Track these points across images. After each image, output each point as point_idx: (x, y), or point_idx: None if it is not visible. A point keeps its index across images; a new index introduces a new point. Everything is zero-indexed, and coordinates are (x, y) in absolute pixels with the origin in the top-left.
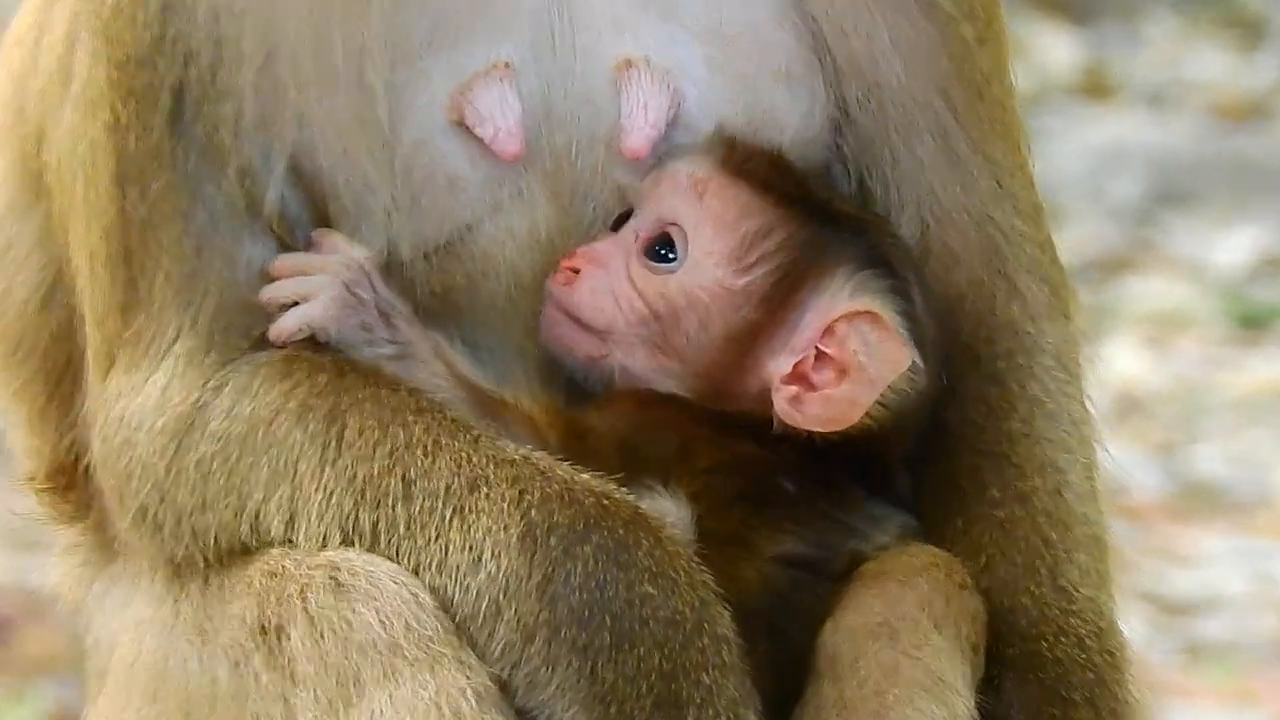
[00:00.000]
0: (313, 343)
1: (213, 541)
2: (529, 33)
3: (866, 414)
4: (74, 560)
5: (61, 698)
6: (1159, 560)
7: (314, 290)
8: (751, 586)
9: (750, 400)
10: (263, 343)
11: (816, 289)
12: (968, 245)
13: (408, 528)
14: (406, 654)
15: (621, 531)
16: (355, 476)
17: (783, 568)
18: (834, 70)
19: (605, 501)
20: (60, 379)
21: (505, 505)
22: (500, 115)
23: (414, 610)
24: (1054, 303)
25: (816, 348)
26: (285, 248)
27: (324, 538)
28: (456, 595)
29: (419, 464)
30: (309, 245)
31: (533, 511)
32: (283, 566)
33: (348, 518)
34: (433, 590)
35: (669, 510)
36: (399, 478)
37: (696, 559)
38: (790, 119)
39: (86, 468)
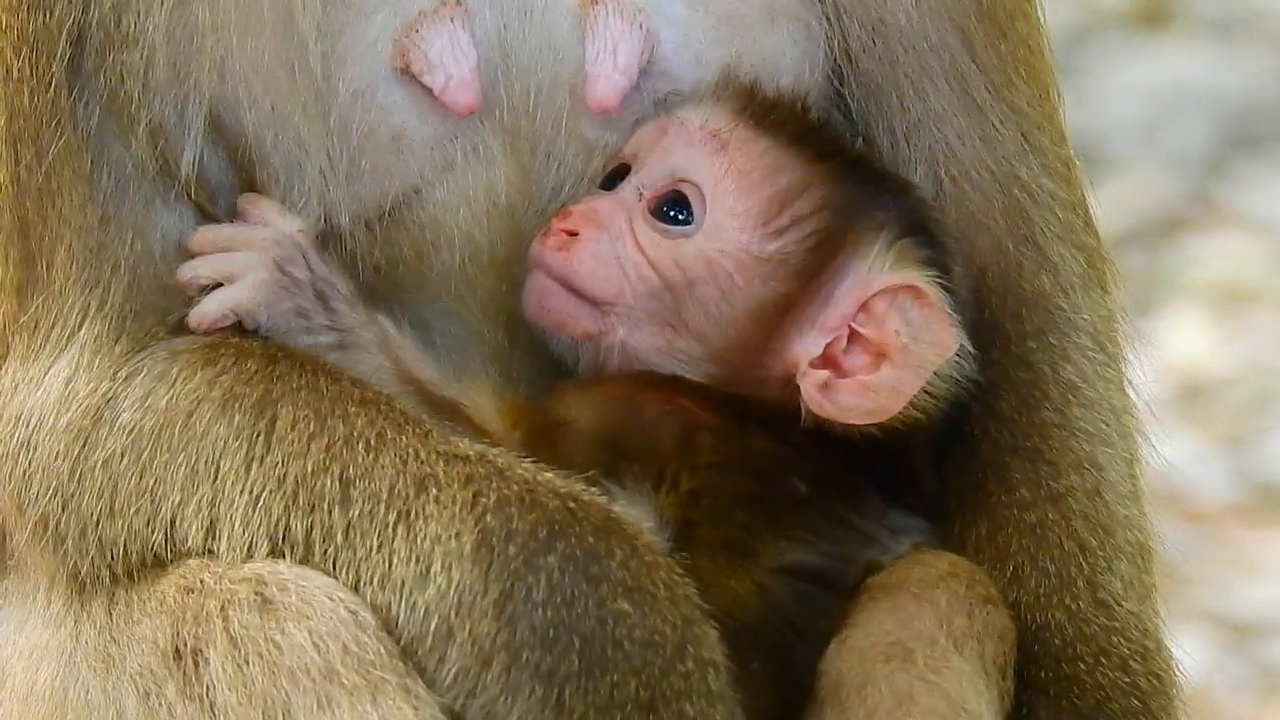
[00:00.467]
0: (240, 330)
1: (122, 553)
2: None
3: (910, 404)
4: None
5: None
6: (1226, 572)
7: (240, 269)
8: (747, 600)
9: (773, 387)
10: (181, 328)
11: (853, 257)
12: (990, 208)
13: (346, 536)
14: (344, 681)
15: (591, 539)
16: (286, 476)
17: (786, 580)
18: (833, 5)
19: (572, 504)
20: None
21: (457, 509)
22: (452, 61)
23: (352, 631)
24: (1089, 273)
25: (850, 327)
26: (206, 218)
27: (250, 547)
28: (402, 614)
29: (360, 461)
30: (234, 215)
31: (488, 516)
32: (201, 581)
33: (277, 524)
34: (375, 608)
35: (635, 514)
36: (336, 477)
37: (679, 571)
38: (785, 63)
39: None
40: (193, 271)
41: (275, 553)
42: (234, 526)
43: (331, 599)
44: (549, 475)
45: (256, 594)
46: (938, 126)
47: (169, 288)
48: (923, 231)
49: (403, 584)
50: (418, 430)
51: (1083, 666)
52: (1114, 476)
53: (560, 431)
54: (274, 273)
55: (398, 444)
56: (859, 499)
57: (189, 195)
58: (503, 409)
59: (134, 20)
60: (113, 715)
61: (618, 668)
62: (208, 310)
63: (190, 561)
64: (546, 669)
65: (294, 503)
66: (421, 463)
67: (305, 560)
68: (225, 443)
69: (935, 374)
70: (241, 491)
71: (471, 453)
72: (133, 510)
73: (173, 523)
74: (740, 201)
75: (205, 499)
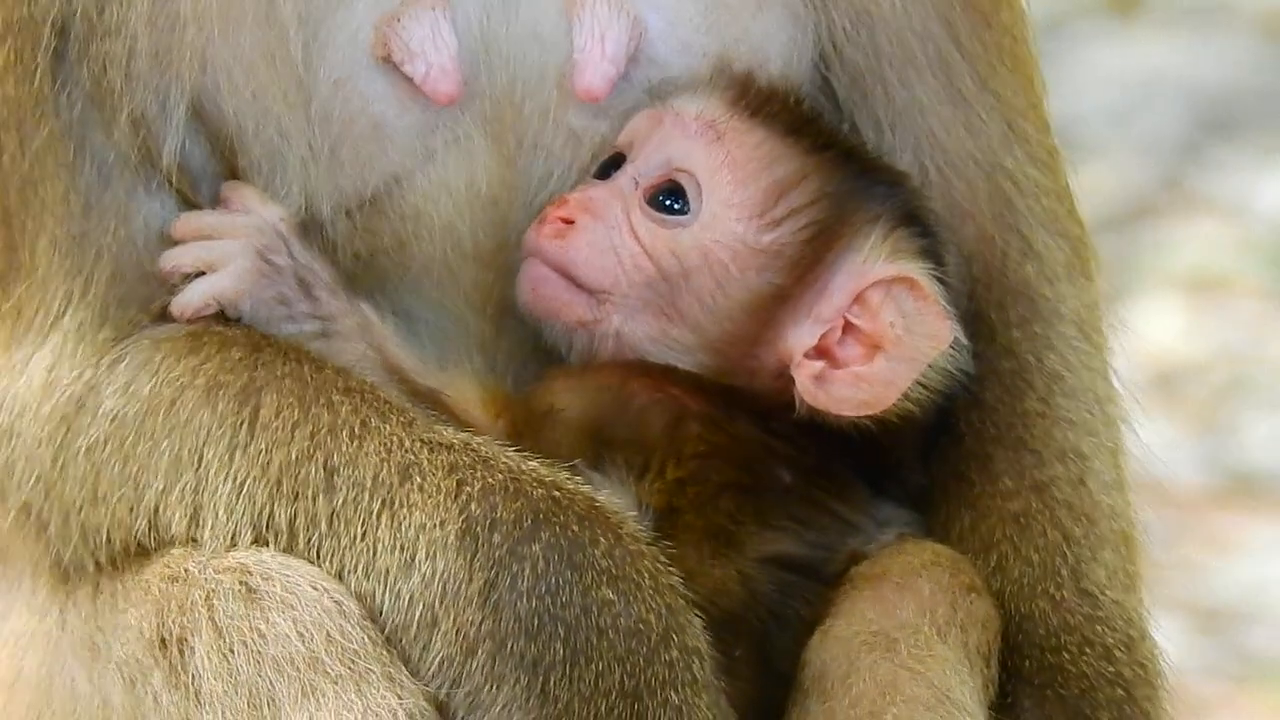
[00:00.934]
0: (222, 318)
1: (105, 541)
2: None
3: (903, 396)
4: None
5: None
6: (1200, 558)
7: (223, 257)
8: (731, 589)
9: (766, 378)
10: (164, 317)
11: (848, 249)
12: (975, 196)
13: (330, 524)
14: (329, 670)
15: (575, 528)
16: (270, 464)
17: (770, 569)
18: None
19: (556, 493)
20: None
21: (441, 498)
22: (433, 50)
23: (337, 620)
24: (1074, 262)
25: (845, 318)
26: (189, 206)
27: (233, 535)
28: (386, 602)
29: (344, 449)
30: (216, 203)
31: (473, 505)
32: (185, 570)
33: (261, 512)
34: (359, 597)
35: (622, 503)
36: (320, 465)
37: (663, 559)
38: (771, 50)
39: None
40: (175, 260)
41: (259, 541)
42: (218, 514)
43: (316, 588)
44: (533, 464)
45: (241, 583)
46: (922, 115)
47: (152, 276)
48: (917, 223)
49: (387, 572)
50: (401, 418)
51: (1067, 656)
52: (1098, 465)
53: (545, 420)
54: (256, 261)
55: (381, 432)
56: (844, 489)
57: (171, 183)
58: (486, 398)
59: (117, 10)
60: (98, 704)
61: (602, 656)
62: (190, 298)
63: (174, 550)
64: (531, 658)
65: (278, 491)
66: (405, 451)
67: (289, 548)
68: (209, 430)
69: (929, 366)
70: (225, 479)
71: (456, 441)
72: (116, 498)
73: (156, 510)
74: (736, 192)
75: (189, 486)
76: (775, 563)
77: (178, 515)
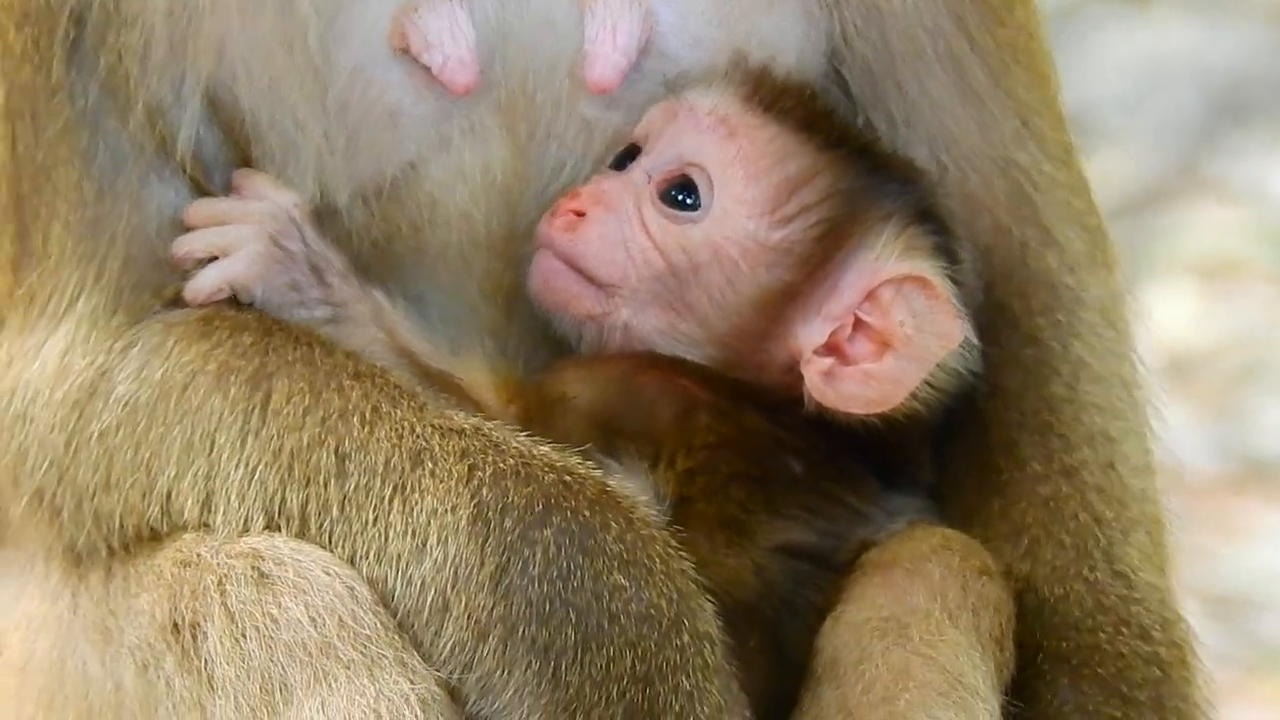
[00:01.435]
0: (234, 303)
1: (118, 526)
2: None
3: (912, 395)
4: None
5: None
6: (1212, 544)
7: (236, 243)
8: (744, 577)
9: (775, 373)
10: (177, 302)
11: (860, 246)
12: (991, 191)
13: (342, 509)
14: (341, 655)
15: (587, 513)
16: (282, 449)
17: (781, 558)
18: None
19: (568, 478)
20: None
21: (453, 483)
22: (450, 41)
23: (349, 605)
24: (1094, 252)
25: (856, 315)
26: (202, 193)
27: (246, 521)
28: (398, 587)
29: (355, 434)
30: (229, 189)
31: (484, 490)
32: (198, 555)
33: (273, 498)
34: (371, 582)
35: (632, 489)
36: (332, 451)
37: (675, 544)
38: (784, 44)
39: None
40: (188, 245)
41: (271, 526)
42: (230, 500)
43: (328, 573)
44: (545, 449)
45: (253, 568)
46: (935, 111)
47: (164, 262)
48: (930, 220)
49: (399, 557)
50: (412, 403)
51: (1103, 636)
52: (1127, 449)
53: (557, 407)
54: (269, 246)
55: (393, 417)
56: (854, 479)
57: (184, 171)
58: (497, 384)
59: (134, 2)
60: (110, 688)
61: (613, 641)
62: (203, 283)
63: (186, 535)
64: (542, 643)
65: (289, 476)
66: (417, 436)
67: (301, 534)
68: (221, 416)
69: (939, 365)
70: (237, 465)
71: (467, 426)
72: (129, 483)
73: (168, 496)
74: (748, 188)
75: (201, 472)
76: (787, 551)
77: (190, 501)
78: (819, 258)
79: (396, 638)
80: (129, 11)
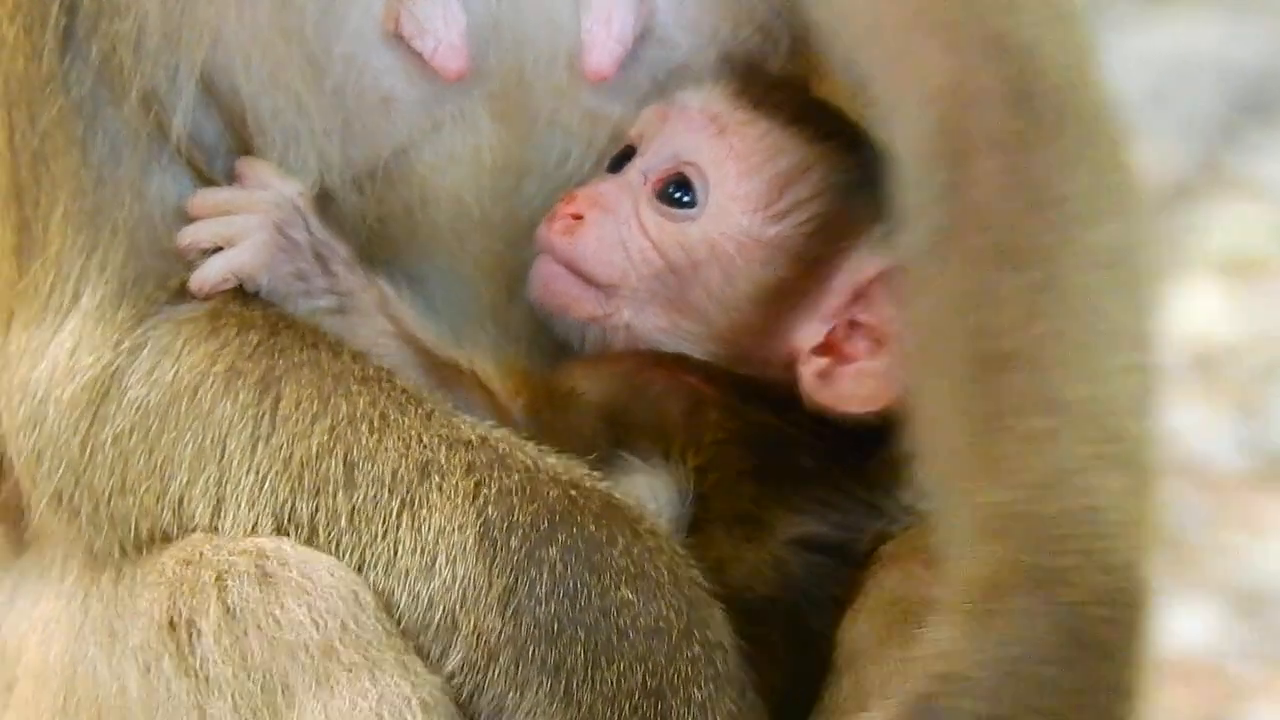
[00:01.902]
0: (241, 294)
1: (133, 529)
2: None
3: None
4: None
5: None
6: (1236, 541)
7: (241, 232)
8: (763, 572)
9: (777, 369)
10: (183, 293)
11: (852, 243)
12: None
13: (350, 520)
14: (343, 658)
15: (592, 527)
16: (292, 457)
17: (799, 551)
18: None
19: (573, 492)
20: None
21: (460, 500)
22: (443, 26)
23: (352, 608)
24: (1108, 163)
25: (850, 313)
26: (203, 180)
27: (255, 528)
28: (405, 601)
29: (364, 443)
30: (231, 177)
31: (490, 508)
32: (200, 553)
33: (283, 506)
34: (379, 593)
35: (656, 485)
36: (340, 460)
37: (682, 552)
38: (785, 34)
39: None
40: (193, 235)
41: (280, 533)
42: (240, 506)
43: (332, 575)
44: (551, 460)
45: (257, 566)
46: None
47: (168, 251)
48: None
49: (407, 572)
50: (420, 411)
51: (1071, 561)
52: (1115, 388)
53: (567, 401)
54: (274, 235)
55: (400, 425)
56: (864, 473)
57: (184, 158)
58: (505, 375)
59: None
60: (116, 691)
61: (623, 657)
62: (209, 274)
63: (194, 535)
64: (553, 662)
65: (299, 485)
66: (424, 447)
67: (310, 542)
68: (230, 421)
69: None
70: (248, 472)
71: (473, 437)
72: (143, 488)
73: (181, 501)
74: (741, 185)
75: (213, 479)
76: (804, 544)
77: (202, 506)
78: (813, 253)
79: (399, 641)
80: (121, 1)
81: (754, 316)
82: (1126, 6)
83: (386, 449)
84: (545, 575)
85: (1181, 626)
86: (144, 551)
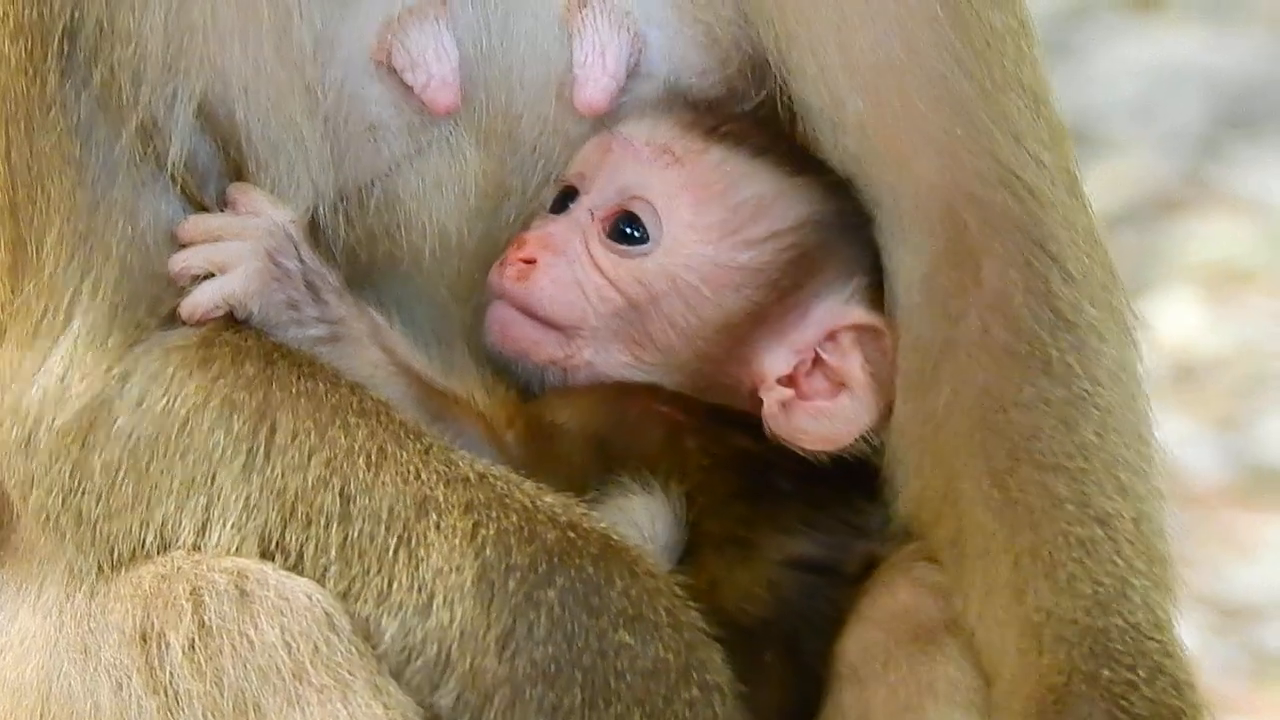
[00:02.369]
0: (232, 322)
1: (116, 550)
2: None
3: (863, 439)
4: None
5: None
6: (1218, 555)
7: (233, 259)
8: (757, 593)
9: (744, 396)
10: (173, 319)
11: (830, 283)
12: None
13: (341, 551)
14: (314, 680)
15: (591, 569)
16: (285, 489)
17: (792, 571)
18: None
19: (571, 533)
20: None
21: (458, 541)
22: (434, 60)
23: (325, 631)
24: (1107, 295)
25: (816, 351)
26: (195, 205)
27: (238, 551)
28: (393, 631)
29: (360, 477)
30: (223, 203)
31: (488, 549)
32: (179, 568)
33: (270, 534)
34: (366, 623)
35: (653, 508)
36: (336, 492)
37: (680, 593)
38: (772, 75)
39: None
40: (184, 262)
41: (265, 558)
42: (224, 533)
43: (309, 598)
44: (549, 499)
45: (235, 586)
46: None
47: (160, 276)
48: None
49: (401, 606)
50: (417, 445)
51: (1141, 676)
52: (1149, 509)
53: (553, 431)
54: (266, 263)
55: (398, 459)
56: (842, 495)
57: (178, 183)
58: (495, 405)
59: (129, 18)
60: (90, 708)
61: (621, 699)
62: (200, 300)
63: (175, 554)
64: (550, 704)
65: (292, 516)
66: (422, 483)
67: (295, 570)
68: (223, 451)
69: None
70: (236, 500)
71: (471, 474)
72: (130, 514)
73: (165, 525)
74: (699, 215)
75: (200, 506)
76: (796, 564)
77: (187, 533)
78: (790, 281)
79: (373, 664)
80: (123, 27)
81: (720, 343)
82: (1111, 20)
83: (383, 483)
84: (543, 617)
85: None
86: (124, 571)
